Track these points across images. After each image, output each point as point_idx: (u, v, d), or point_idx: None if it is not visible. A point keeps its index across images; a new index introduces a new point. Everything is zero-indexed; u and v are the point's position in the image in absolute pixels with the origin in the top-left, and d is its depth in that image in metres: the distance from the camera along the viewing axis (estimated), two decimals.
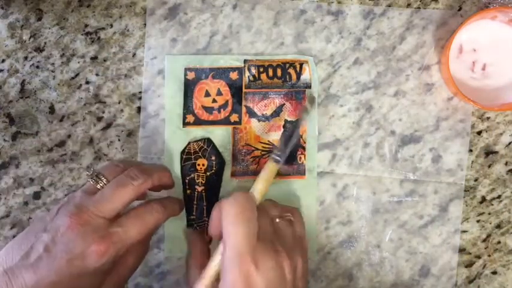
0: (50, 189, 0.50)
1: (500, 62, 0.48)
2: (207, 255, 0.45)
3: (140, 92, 0.50)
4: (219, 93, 0.49)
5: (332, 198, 0.50)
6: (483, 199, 0.50)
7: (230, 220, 0.39)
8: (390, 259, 0.50)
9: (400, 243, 0.50)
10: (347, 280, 0.50)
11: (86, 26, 0.50)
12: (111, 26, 0.50)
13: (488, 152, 0.50)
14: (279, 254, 0.39)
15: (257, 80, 0.49)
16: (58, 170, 0.50)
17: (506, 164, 0.50)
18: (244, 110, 0.49)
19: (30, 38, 0.50)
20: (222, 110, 0.49)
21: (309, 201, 0.49)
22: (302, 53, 0.49)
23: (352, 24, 0.49)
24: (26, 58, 0.50)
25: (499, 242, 0.50)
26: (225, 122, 0.49)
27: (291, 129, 0.45)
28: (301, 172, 0.49)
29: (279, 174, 0.49)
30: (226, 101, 0.49)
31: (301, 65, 0.49)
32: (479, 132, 0.50)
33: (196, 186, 0.49)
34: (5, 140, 0.50)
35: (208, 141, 0.49)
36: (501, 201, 0.50)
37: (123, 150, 0.50)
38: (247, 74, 0.49)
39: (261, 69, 0.49)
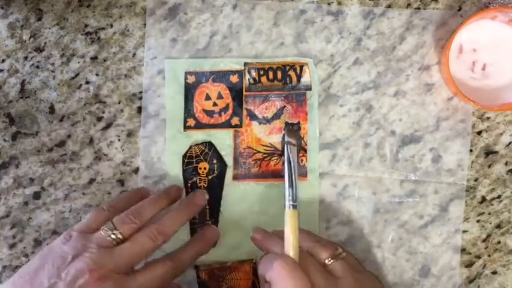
0: (50, 189, 0.50)
1: (500, 62, 0.48)
2: None
3: (140, 92, 0.50)
4: (220, 96, 0.49)
5: (332, 198, 0.50)
6: (483, 199, 0.50)
7: None
8: (391, 259, 0.50)
9: (400, 243, 0.50)
10: None
11: (86, 26, 0.50)
12: (111, 26, 0.50)
13: (488, 152, 0.50)
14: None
15: (257, 82, 0.49)
16: (58, 170, 0.50)
17: (506, 164, 0.50)
18: (245, 112, 0.49)
19: (30, 38, 0.50)
20: (222, 113, 0.49)
21: (311, 202, 0.49)
22: (302, 54, 0.49)
23: (352, 24, 0.49)
24: (26, 58, 0.50)
25: (499, 242, 0.50)
26: (226, 125, 0.49)
27: (286, 169, 0.44)
28: (303, 174, 0.49)
29: (281, 177, 0.49)
30: (227, 104, 0.49)
31: (301, 67, 0.49)
32: (479, 132, 0.50)
33: (199, 189, 0.49)
34: (5, 140, 0.50)
35: (209, 144, 0.49)
36: (501, 201, 0.50)
37: (123, 150, 0.50)
38: (247, 76, 0.49)
39: (261, 72, 0.49)
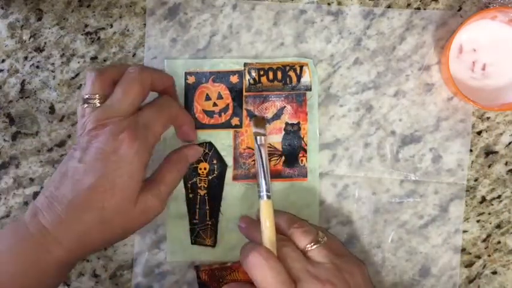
0: None
1: (500, 62, 0.48)
2: None
3: None
4: (220, 96, 0.49)
5: (332, 199, 0.50)
6: (483, 199, 0.50)
7: (256, 281, 0.40)
8: (391, 259, 0.50)
9: (400, 243, 0.50)
10: None
11: (86, 26, 0.50)
12: (111, 26, 0.50)
13: (488, 152, 0.50)
14: (325, 287, 0.40)
15: (257, 83, 0.49)
16: None
17: (506, 164, 0.50)
18: (245, 113, 0.49)
19: (30, 38, 0.49)
20: (222, 113, 0.49)
21: (311, 202, 0.49)
22: (302, 54, 0.49)
23: (352, 24, 0.49)
24: (26, 58, 0.50)
25: (499, 242, 0.50)
26: (226, 125, 0.49)
27: (258, 161, 0.46)
28: (303, 174, 0.49)
29: (281, 177, 0.49)
30: (227, 105, 0.49)
31: (301, 67, 0.49)
32: (479, 132, 0.50)
33: (199, 190, 0.49)
34: (5, 140, 0.50)
35: (209, 145, 0.49)
36: (501, 201, 0.50)
37: None
38: (247, 77, 0.49)
39: (261, 72, 0.49)
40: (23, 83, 0.50)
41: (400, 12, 0.49)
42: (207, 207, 0.49)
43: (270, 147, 0.49)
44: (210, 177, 0.49)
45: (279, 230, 0.44)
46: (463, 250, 0.50)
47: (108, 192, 0.40)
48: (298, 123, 0.49)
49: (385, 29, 0.49)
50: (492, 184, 0.50)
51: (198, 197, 0.49)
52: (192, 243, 0.49)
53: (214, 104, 0.49)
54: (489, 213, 0.50)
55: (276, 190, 0.49)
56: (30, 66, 0.50)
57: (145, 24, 0.49)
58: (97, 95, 0.42)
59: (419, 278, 0.50)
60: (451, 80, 0.45)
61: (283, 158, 0.49)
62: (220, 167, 0.49)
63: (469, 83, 0.48)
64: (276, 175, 0.49)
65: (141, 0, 0.49)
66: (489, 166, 0.50)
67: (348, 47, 0.49)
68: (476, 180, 0.50)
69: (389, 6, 0.49)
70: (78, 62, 0.50)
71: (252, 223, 0.47)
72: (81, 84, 0.50)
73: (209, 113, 0.49)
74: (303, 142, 0.49)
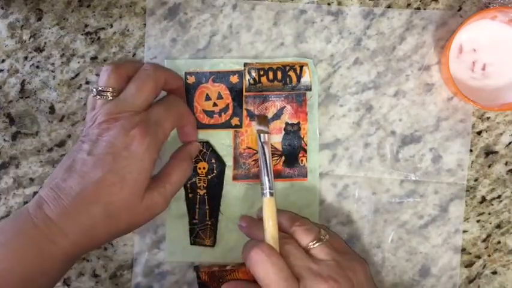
0: None
1: (500, 62, 0.48)
2: None
3: None
4: (220, 96, 0.49)
5: (332, 198, 0.50)
6: (483, 199, 0.50)
7: (259, 278, 0.40)
8: (391, 259, 0.50)
9: (400, 243, 0.50)
10: None
11: (86, 26, 0.50)
12: (111, 26, 0.50)
13: (488, 152, 0.50)
14: (328, 284, 0.40)
15: (257, 83, 0.49)
16: None
17: (506, 164, 0.50)
18: (245, 113, 0.49)
19: (30, 38, 0.49)
20: (222, 113, 0.49)
21: (311, 202, 0.49)
22: (302, 54, 0.49)
23: (352, 24, 0.49)
24: (26, 58, 0.50)
25: (499, 242, 0.50)
26: (226, 125, 0.49)
27: (262, 158, 0.46)
28: (303, 174, 0.49)
29: (282, 177, 0.49)
30: (227, 105, 0.49)
31: (301, 67, 0.49)
32: (479, 132, 0.50)
33: (198, 190, 0.49)
34: (5, 140, 0.50)
35: (207, 144, 0.49)
36: (501, 201, 0.50)
37: None
38: (247, 77, 0.49)
39: (261, 72, 0.49)
40: (23, 83, 0.50)
41: (400, 12, 0.49)
42: (207, 207, 0.49)
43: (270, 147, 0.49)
44: (209, 177, 0.49)
45: (281, 228, 0.44)
46: (463, 250, 0.50)
47: (117, 186, 0.40)
48: (298, 123, 0.49)
49: (385, 29, 0.49)
50: (492, 184, 0.50)
51: (198, 196, 0.49)
52: (191, 244, 0.49)
53: (214, 104, 0.49)
54: (489, 213, 0.50)
55: (276, 190, 0.49)
56: (30, 66, 0.50)
57: (145, 24, 0.49)
58: (110, 88, 0.42)
59: (419, 278, 0.50)
60: (451, 80, 0.45)
61: (283, 158, 0.49)
62: (219, 166, 0.49)
63: (469, 83, 0.48)
64: (276, 175, 0.49)
65: (141, 0, 0.49)
66: (489, 166, 0.50)
67: (348, 47, 0.49)
68: (476, 180, 0.50)
69: (389, 6, 0.49)
70: (78, 62, 0.50)
71: (253, 222, 0.47)
72: (81, 85, 0.50)
73: (209, 113, 0.49)
74: (303, 142, 0.49)
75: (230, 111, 0.49)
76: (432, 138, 0.49)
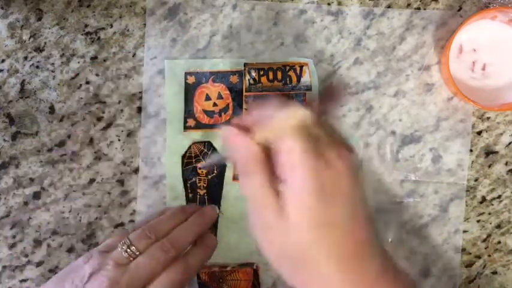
0: (50, 189, 0.50)
1: (500, 62, 0.48)
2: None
3: (140, 92, 0.50)
4: (220, 96, 0.49)
5: None
6: (483, 199, 0.50)
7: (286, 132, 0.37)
8: None
9: (400, 243, 0.50)
10: None
11: (86, 26, 0.49)
12: (111, 26, 0.50)
13: (488, 152, 0.50)
14: (340, 147, 0.37)
15: (257, 83, 0.49)
16: (58, 170, 0.50)
17: (506, 164, 0.50)
18: (245, 113, 0.49)
19: (30, 38, 0.49)
20: (223, 113, 0.49)
21: None
22: (302, 54, 0.49)
23: (352, 24, 0.49)
24: (26, 58, 0.50)
25: (499, 242, 0.50)
26: (226, 125, 0.49)
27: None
28: None
29: None
30: (227, 105, 0.49)
31: (301, 67, 0.49)
32: (479, 132, 0.50)
33: (198, 190, 0.49)
34: (5, 140, 0.50)
35: (208, 144, 0.49)
36: (501, 201, 0.50)
37: (123, 150, 0.50)
38: (247, 77, 0.49)
39: (261, 72, 0.49)
40: (23, 83, 0.50)
41: (400, 12, 0.49)
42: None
43: None
44: (209, 177, 0.49)
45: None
46: (463, 250, 0.50)
47: None
48: None
49: (385, 29, 0.49)
50: (492, 184, 0.50)
51: (198, 196, 0.49)
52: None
53: (214, 104, 0.49)
54: (489, 213, 0.50)
55: None
56: (30, 66, 0.50)
57: (145, 24, 0.49)
58: (137, 252, 0.42)
59: (419, 278, 0.50)
60: (451, 80, 0.45)
61: None
62: (220, 166, 0.49)
63: (469, 83, 0.48)
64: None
65: (141, 0, 0.49)
66: (489, 166, 0.50)
67: (348, 47, 0.49)
68: (476, 180, 0.50)
69: (389, 6, 0.49)
70: (78, 62, 0.50)
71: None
72: (80, 85, 0.50)
73: (209, 113, 0.49)
74: None
75: (230, 111, 0.49)
76: (432, 138, 0.49)
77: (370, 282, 0.37)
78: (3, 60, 0.50)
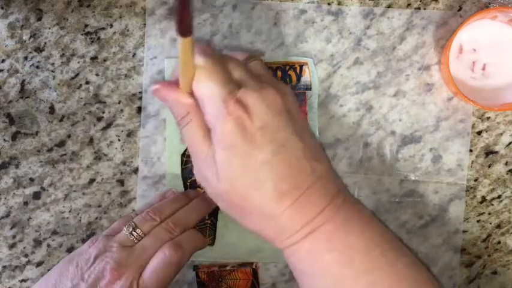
0: (50, 189, 0.50)
1: (500, 62, 0.48)
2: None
3: (140, 92, 0.50)
4: None
5: None
6: (483, 199, 0.50)
7: (195, 84, 0.38)
8: None
9: None
10: None
11: (86, 26, 0.50)
12: (111, 26, 0.50)
13: (488, 152, 0.50)
14: (264, 90, 0.37)
15: None
16: (58, 170, 0.50)
17: (506, 164, 0.50)
18: None
19: (30, 38, 0.50)
20: None
21: None
22: (302, 53, 0.49)
23: (352, 24, 0.49)
24: (26, 58, 0.50)
25: (499, 242, 0.50)
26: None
27: None
28: None
29: None
30: None
31: (301, 66, 0.49)
32: (479, 132, 0.50)
33: (198, 189, 0.49)
34: (5, 140, 0.50)
35: None
36: (501, 201, 0.50)
37: (123, 150, 0.50)
38: None
39: None
40: (23, 83, 0.50)
41: (400, 12, 0.49)
42: None
43: None
44: None
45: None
46: (463, 250, 0.50)
47: None
48: None
49: (385, 29, 0.49)
50: (492, 184, 0.50)
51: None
52: None
53: None
54: (489, 213, 0.50)
55: None
56: (30, 66, 0.50)
57: (145, 24, 0.49)
58: (142, 233, 0.43)
59: None
60: (451, 80, 0.45)
61: None
62: None
63: (469, 83, 0.48)
64: None
65: (141, 0, 0.49)
66: (489, 166, 0.50)
67: (348, 47, 0.49)
68: (476, 180, 0.50)
69: (389, 6, 0.49)
70: (78, 62, 0.50)
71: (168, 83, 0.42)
72: (80, 85, 0.50)
73: None
74: None
75: None
76: (432, 138, 0.49)
77: (319, 211, 0.37)
78: (3, 60, 0.50)
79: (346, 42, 0.49)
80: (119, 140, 0.50)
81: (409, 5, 0.49)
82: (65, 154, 0.50)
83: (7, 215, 0.50)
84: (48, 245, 0.50)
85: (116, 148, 0.50)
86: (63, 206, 0.50)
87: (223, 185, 0.37)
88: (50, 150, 0.50)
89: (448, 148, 0.49)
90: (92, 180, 0.50)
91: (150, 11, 0.49)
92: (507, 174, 0.50)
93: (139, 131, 0.50)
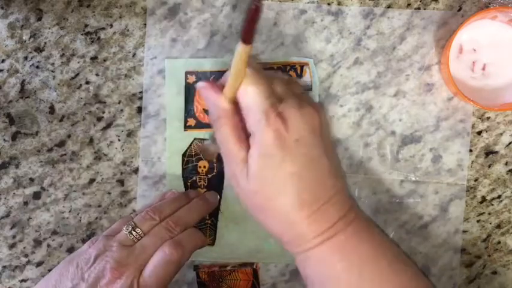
0: (50, 189, 0.50)
1: (500, 62, 0.48)
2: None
3: (140, 92, 0.50)
4: None
5: None
6: (483, 199, 0.50)
7: (242, 91, 0.40)
8: None
9: (400, 243, 0.50)
10: None
11: (86, 26, 0.49)
12: (111, 26, 0.50)
13: (488, 152, 0.50)
14: (303, 108, 0.40)
15: None
16: (58, 170, 0.50)
17: (506, 164, 0.50)
18: None
19: (30, 38, 0.49)
20: None
21: None
22: (302, 53, 0.49)
23: (352, 24, 0.49)
24: (26, 58, 0.50)
25: (499, 242, 0.50)
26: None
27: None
28: None
29: None
30: None
31: (301, 67, 0.49)
32: (479, 132, 0.50)
33: (198, 189, 0.49)
34: (5, 140, 0.50)
35: None
36: (501, 201, 0.50)
37: (123, 150, 0.50)
38: None
39: None
40: (23, 83, 0.50)
41: (400, 12, 0.49)
42: None
43: None
44: (209, 176, 0.49)
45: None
46: (463, 250, 0.50)
47: None
48: None
49: (385, 29, 0.49)
50: (492, 184, 0.50)
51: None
52: None
53: None
54: (489, 213, 0.50)
55: None
56: (30, 66, 0.50)
57: (145, 24, 0.49)
58: (141, 233, 0.43)
59: None
60: (451, 80, 0.45)
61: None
62: (220, 165, 0.49)
63: (469, 83, 0.48)
64: None
65: (141, 0, 0.49)
66: (489, 166, 0.50)
67: (348, 47, 0.49)
68: (476, 180, 0.50)
69: (389, 6, 0.49)
70: (78, 62, 0.50)
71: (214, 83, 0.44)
72: (80, 85, 0.50)
73: None
74: None
75: None
76: (432, 138, 0.49)
77: (334, 222, 0.40)
78: (3, 60, 0.50)
79: (346, 42, 0.49)
80: (119, 140, 0.50)
81: (409, 5, 0.49)
82: (65, 154, 0.50)
83: (7, 215, 0.50)
84: (48, 245, 0.50)
85: (116, 148, 0.50)
86: (63, 206, 0.50)
87: (252, 186, 0.40)
88: (50, 150, 0.50)
89: (448, 148, 0.49)
90: (92, 180, 0.50)
91: (150, 11, 0.49)
92: (507, 174, 0.50)
93: (139, 131, 0.50)
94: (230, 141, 0.40)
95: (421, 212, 0.50)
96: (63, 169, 0.50)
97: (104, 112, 0.50)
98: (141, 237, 0.43)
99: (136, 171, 0.50)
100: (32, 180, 0.50)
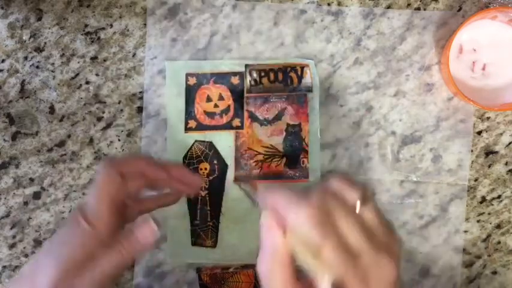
0: (50, 189, 0.50)
1: (500, 62, 0.48)
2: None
3: (140, 92, 0.50)
4: (221, 98, 0.49)
5: None
6: (483, 199, 0.50)
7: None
8: None
9: None
10: None
11: (86, 26, 0.49)
12: (111, 26, 0.50)
13: (488, 152, 0.50)
14: (383, 266, 0.36)
15: (258, 84, 0.49)
16: (58, 170, 0.50)
17: (506, 164, 0.50)
18: (246, 114, 0.49)
19: (30, 38, 0.49)
20: (224, 114, 0.49)
21: None
22: (302, 54, 0.49)
23: (352, 24, 0.49)
24: (26, 58, 0.49)
25: (499, 242, 0.50)
26: (227, 126, 0.49)
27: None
28: (304, 175, 0.49)
29: (283, 178, 0.49)
30: (228, 106, 0.49)
31: (302, 68, 0.49)
32: (479, 132, 0.50)
33: (200, 191, 0.49)
34: (5, 140, 0.50)
35: (210, 145, 0.49)
36: (501, 201, 0.50)
37: (123, 150, 0.50)
38: (248, 78, 0.49)
39: (262, 74, 0.49)
40: (23, 83, 0.50)
41: (400, 12, 0.49)
42: (208, 208, 0.49)
43: (271, 148, 0.49)
44: (210, 178, 0.49)
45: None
46: (463, 250, 0.50)
47: None
48: (299, 124, 0.49)
49: (385, 29, 0.49)
50: (492, 184, 0.50)
51: (199, 197, 0.49)
52: (192, 245, 0.49)
53: (216, 105, 0.49)
54: (489, 213, 0.50)
55: None
56: (30, 66, 0.50)
57: (145, 24, 0.49)
58: None
59: (419, 278, 0.50)
60: (451, 80, 0.45)
61: (284, 159, 0.49)
62: (221, 167, 0.49)
63: (469, 83, 0.48)
64: (277, 176, 0.49)
65: (141, 0, 0.49)
66: (489, 166, 0.50)
67: (348, 47, 0.49)
68: (476, 180, 0.50)
69: (389, 7, 0.49)
70: (78, 62, 0.50)
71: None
72: (80, 85, 0.50)
73: (210, 114, 0.49)
74: (303, 143, 0.49)
75: (231, 113, 0.49)
76: (432, 138, 0.49)
77: None
78: (3, 60, 0.49)
79: (346, 42, 0.49)
80: (119, 140, 0.50)
81: (409, 5, 0.49)
82: (65, 154, 0.50)
83: (7, 215, 0.50)
84: None
85: (116, 148, 0.50)
86: (63, 206, 0.50)
87: None
88: (50, 150, 0.50)
89: (448, 148, 0.49)
90: (91, 180, 0.50)
91: (150, 11, 0.49)
92: (507, 174, 0.50)
93: (139, 131, 0.50)
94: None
95: (421, 212, 0.50)
96: (63, 169, 0.50)
97: (104, 112, 0.50)
98: None
99: None
100: (32, 180, 0.50)
